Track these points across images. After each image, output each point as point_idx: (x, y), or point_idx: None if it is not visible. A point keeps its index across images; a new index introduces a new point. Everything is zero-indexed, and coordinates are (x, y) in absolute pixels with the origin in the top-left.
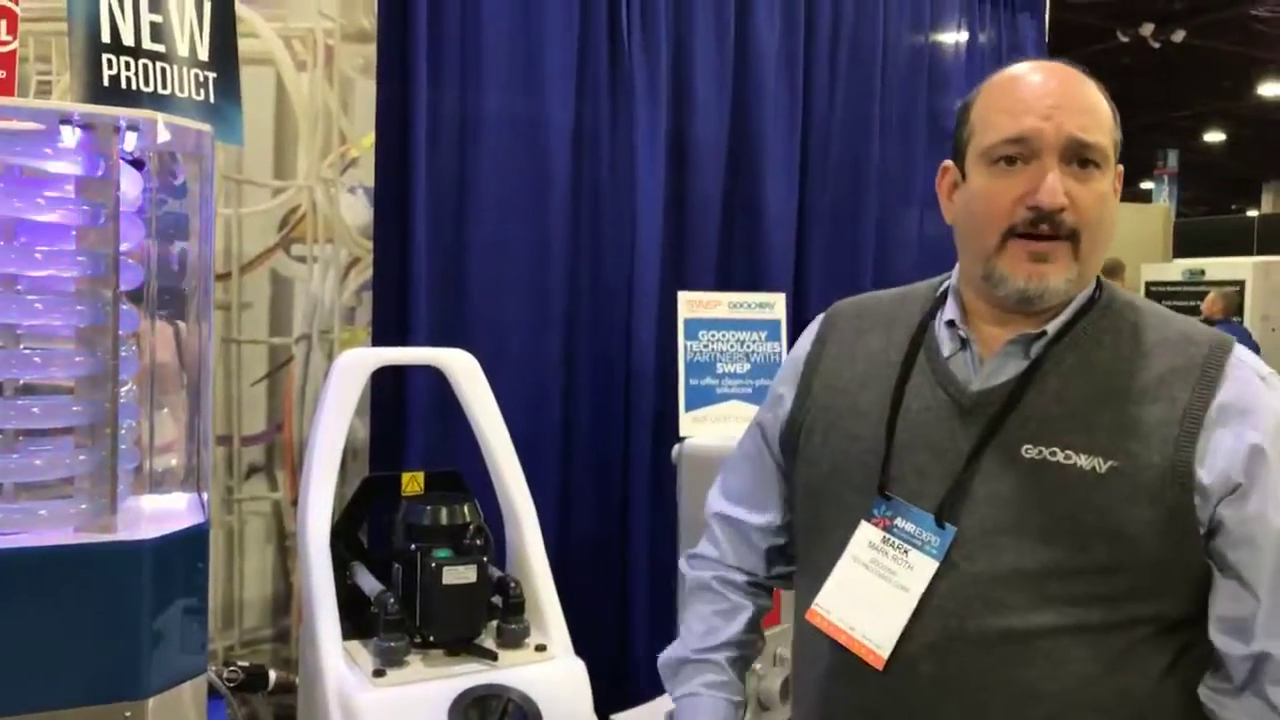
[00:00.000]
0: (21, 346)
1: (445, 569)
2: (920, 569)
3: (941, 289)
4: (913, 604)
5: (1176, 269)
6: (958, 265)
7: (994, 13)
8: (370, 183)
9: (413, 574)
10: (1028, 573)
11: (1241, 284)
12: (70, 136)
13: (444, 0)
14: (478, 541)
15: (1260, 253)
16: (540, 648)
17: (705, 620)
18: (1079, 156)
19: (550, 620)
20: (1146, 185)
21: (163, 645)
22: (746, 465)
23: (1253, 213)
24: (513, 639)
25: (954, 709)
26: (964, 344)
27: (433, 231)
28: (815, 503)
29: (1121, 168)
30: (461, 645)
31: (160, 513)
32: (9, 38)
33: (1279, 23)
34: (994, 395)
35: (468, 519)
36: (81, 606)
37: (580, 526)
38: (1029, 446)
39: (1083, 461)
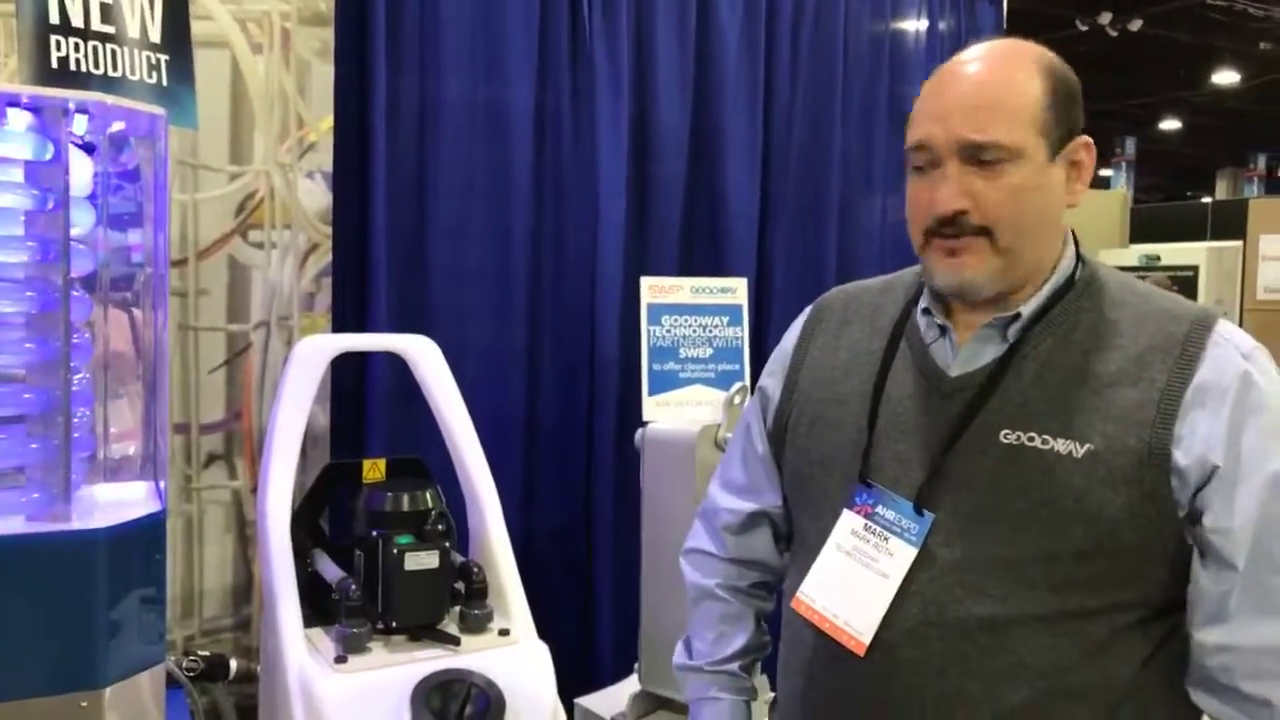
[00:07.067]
0: None
1: (407, 555)
2: (900, 556)
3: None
4: (893, 591)
5: (1133, 254)
6: None
7: (953, 0)
8: (329, 167)
9: (374, 560)
10: (1006, 559)
11: (1195, 268)
12: (18, 119)
13: None
14: (440, 527)
15: (1213, 238)
16: (504, 632)
17: (714, 628)
18: (976, 157)
19: (514, 605)
20: (1105, 172)
21: (119, 635)
22: (739, 457)
23: (1206, 199)
24: (476, 624)
25: (932, 694)
26: (943, 331)
27: (392, 217)
28: (803, 492)
29: (1086, 139)
30: (424, 631)
31: (116, 502)
32: None
33: (1234, 12)
34: (972, 380)
35: (430, 505)
36: (36, 597)
37: (544, 511)
38: (1007, 431)
39: (1060, 446)
